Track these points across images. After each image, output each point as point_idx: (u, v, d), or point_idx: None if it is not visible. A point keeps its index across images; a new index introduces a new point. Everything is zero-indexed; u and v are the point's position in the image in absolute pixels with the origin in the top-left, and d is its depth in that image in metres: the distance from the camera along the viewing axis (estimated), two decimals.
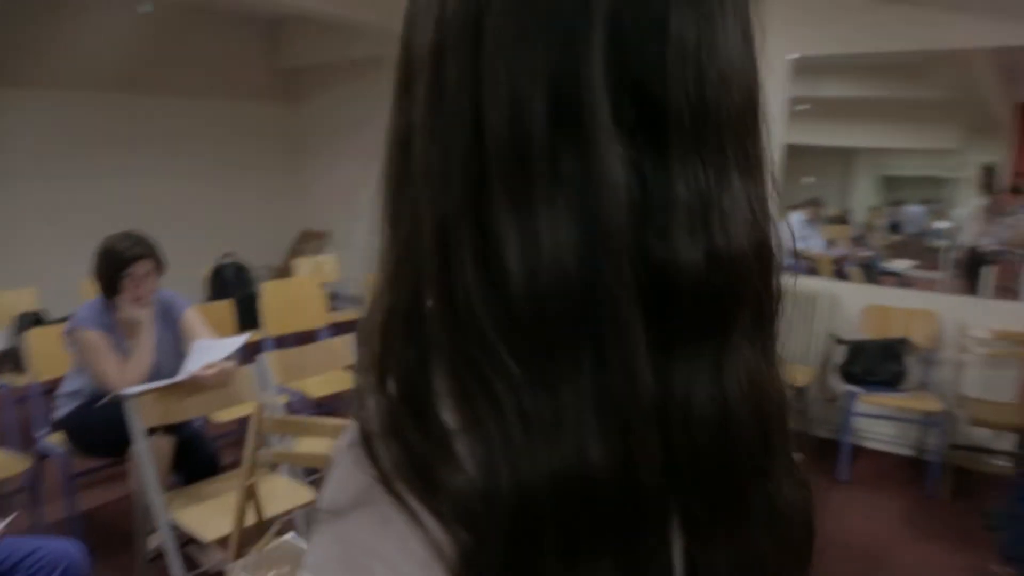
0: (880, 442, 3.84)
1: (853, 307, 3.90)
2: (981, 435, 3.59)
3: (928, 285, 4.03)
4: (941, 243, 4.16)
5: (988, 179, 4.03)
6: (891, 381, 3.59)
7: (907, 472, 3.61)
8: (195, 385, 2.21)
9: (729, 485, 0.39)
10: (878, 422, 3.76)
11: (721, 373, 0.38)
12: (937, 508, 3.23)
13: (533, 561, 0.34)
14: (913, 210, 5.41)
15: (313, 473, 2.89)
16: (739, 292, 0.38)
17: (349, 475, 0.36)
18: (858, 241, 5.27)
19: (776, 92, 3.92)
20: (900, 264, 4.64)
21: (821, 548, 0.45)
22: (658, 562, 0.37)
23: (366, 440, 0.36)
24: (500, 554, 0.33)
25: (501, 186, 0.35)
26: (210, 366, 2.21)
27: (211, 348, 2.28)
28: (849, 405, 3.54)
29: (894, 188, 5.10)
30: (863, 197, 5.77)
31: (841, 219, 4.97)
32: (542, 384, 0.34)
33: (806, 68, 3.87)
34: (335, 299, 4.87)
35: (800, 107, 4.07)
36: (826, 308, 3.95)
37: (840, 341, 3.77)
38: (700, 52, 0.36)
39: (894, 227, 5.58)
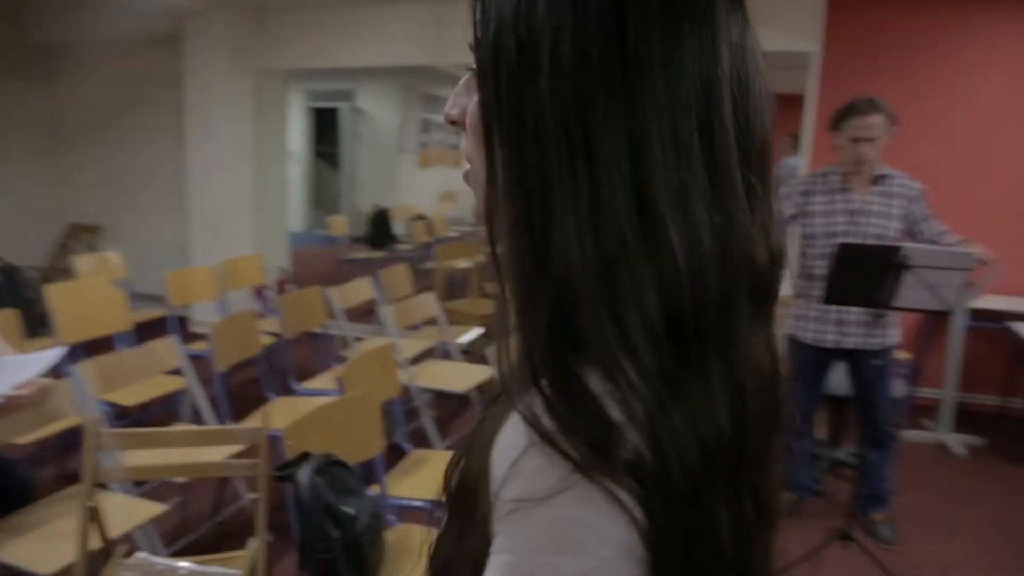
0: None
1: None
2: None
3: None
4: None
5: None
6: None
7: None
8: (6, 407, 1.96)
9: (773, 436, 0.50)
10: None
11: (768, 346, 0.49)
12: None
13: (694, 510, 0.42)
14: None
15: (142, 484, 2.69)
16: (777, 283, 0.50)
17: (542, 469, 0.41)
18: None
19: None
20: None
21: None
22: (758, 492, 0.47)
23: (548, 438, 0.41)
24: (673, 511, 0.41)
25: (664, 202, 0.43)
26: (23, 385, 1.97)
27: (21, 365, 2.03)
28: None
29: None
30: None
31: None
32: (687, 372, 0.43)
33: None
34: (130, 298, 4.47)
35: None
36: None
37: None
38: (765, 98, 0.49)
39: None
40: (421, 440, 3.04)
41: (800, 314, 2.80)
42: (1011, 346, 4.03)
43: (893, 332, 2.77)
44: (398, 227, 8.24)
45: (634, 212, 0.43)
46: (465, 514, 0.50)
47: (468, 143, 0.53)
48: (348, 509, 1.85)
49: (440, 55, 5.13)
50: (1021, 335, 3.75)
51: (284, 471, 1.85)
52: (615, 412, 0.42)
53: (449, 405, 4.07)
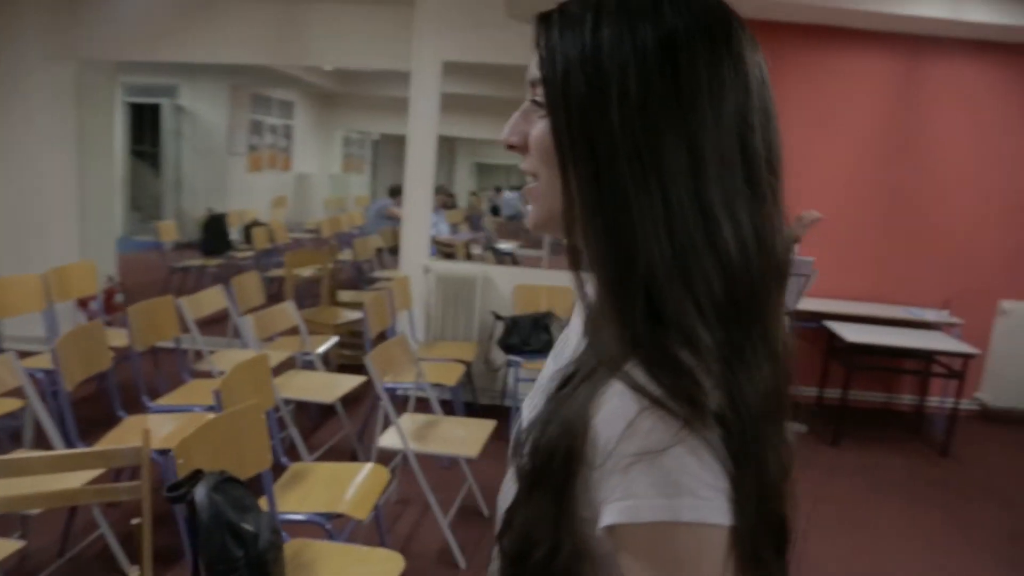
0: None
1: (506, 287, 4.43)
2: None
3: (534, 262, 4.73)
4: None
5: None
6: (543, 349, 4.18)
7: None
8: None
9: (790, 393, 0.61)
10: (531, 385, 4.34)
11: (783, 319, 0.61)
12: None
13: (757, 453, 0.53)
14: (509, 195, 6.27)
15: None
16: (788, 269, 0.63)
17: (657, 427, 0.50)
18: (474, 224, 5.95)
19: (432, 89, 4.24)
20: (508, 245, 5.38)
21: None
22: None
23: (659, 402, 0.51)
24: (747, 455, 0.52)
25: (719, 207, 0.55)
26: None
27: None
28: (514, 373, 4.05)
29: (486, 175, 5.63)
30: (464, 183, 6.51)
31: (450, 204, 5.58)
32: (743, 341, 0.54)
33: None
34: None
35: None
36: (482, 289, 4.41)
37: (498, 317, 4.26)
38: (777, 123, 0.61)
39: (494, 210, 6.40)
40: (291, 452, 2.93)
41: None
42: (826, 342, 4.57)
43: None
44: (232, 233, 7.82)
45: (699, 217, 0.54)
46: (550, 482, 0.56)
47: (532, 163, 0.64)
48: (248, 527, 1.76)
49: (278, 56, 4.97)
50: (835, 332, 4.26)
51: (177, 491, 1.72)
52: (701, 376, 0.52)
53: (311, 416, 3.95)
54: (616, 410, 0.52)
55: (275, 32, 4.57)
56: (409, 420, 3.01)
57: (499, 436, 2.79)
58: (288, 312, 3.62)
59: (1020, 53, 4.49)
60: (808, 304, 4.21)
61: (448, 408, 3.38)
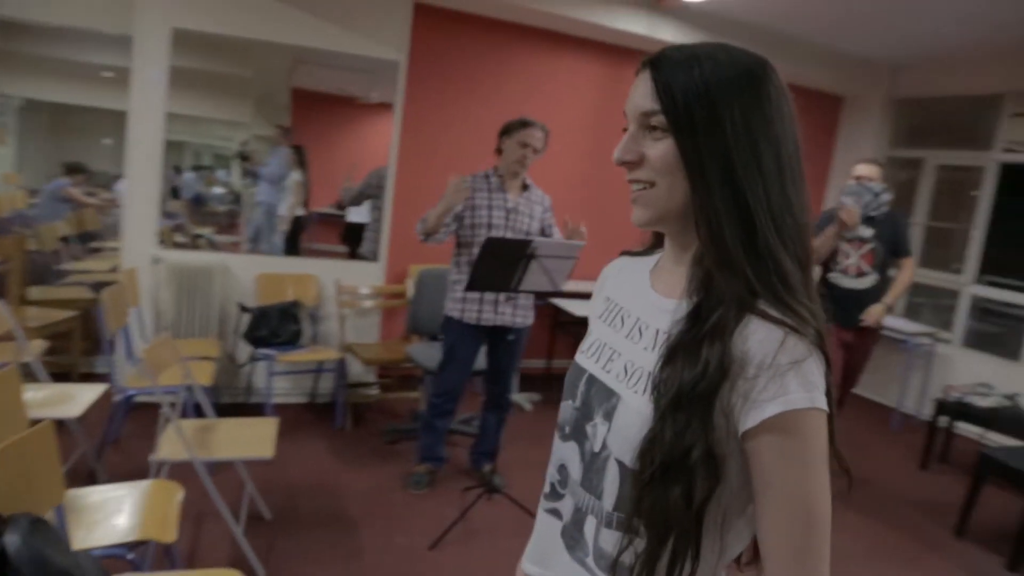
0: (282, 396, 4.24)
1: (246, 276, 4.15)
2: (360, 372, 4.39)
3: (233, 248, 4.52)
4: (220, 207, 4.69)
5: (300, 158, 4.76)
6: (292, 340, 4.02)
7: (310, 415, 4.13)
8: None
9: None
10: (281, 378, 4.16)
11: None
12: (349, 438, 3.87)
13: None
14: (188, 176, 5.83)
15: None
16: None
17: (799, 345, 0.75)
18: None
19: (161, 59, 3.80)
20: (204, 229, 5.05)
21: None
22: None
23: (797, 330, 0.76)
24: (826, 365, 0.78)
25: (796, 204, 0.83)
26: None
27: None
28: (267, 367, 3.84)
29: (174, 153, 5.15)
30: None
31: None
32: (809, 282, 0.82)
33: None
34: None
35: (105, 74, 4.36)
36: (220, 279, 4.08)
37: (245, 309, 4.00)
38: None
39: (174, 192, 5.89)
40: None
41: (462, 297, 3.12)
42: (552, 318, 5.05)
43: (531, 314, 3.29)
44: None
45: (784, 200, 0.81)
46: (696, 400, 0.76)
47: (648, 174, 0.84)
48: (72, 569, 1.52)
49: None
50: (561, 308, 4.74)
51: None
52: (806, 310, 0.78)
53: None
54: (768, 335, 0.76)
55: None
56: (182, 427, 2.72)
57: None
58: None
59: None
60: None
61: (199, 410, 3.11)
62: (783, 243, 0.79)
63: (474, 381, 4.12)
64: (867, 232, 3.74)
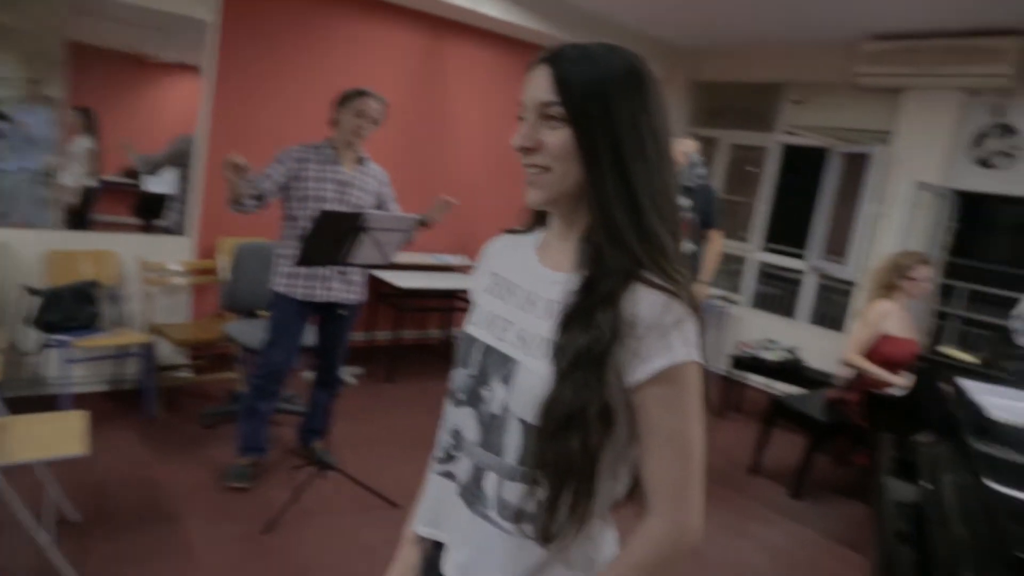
0: (79, 385, 3.83)
1: (31, 254, 3.69)
2: (169, 354, 4.08)
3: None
4: None
5: (88, 121, 4.32)
6: (89, 324, 3.65)
7: (114, 404, 3.78)
8: None
9: None
10: (77, 366, 3.75)
11: None
12: (163, 426, 3.59)
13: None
14: None
15: None
16: None
17: (679, 307, 0.88)
18: None
19: None
20: None
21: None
22: None
23: (678, 295, 0.88)
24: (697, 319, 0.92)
25: (669, 183, 0.95)
26: None
27: None
28: (61, 355, 3.46)
29: None
30: None
31: None
32: (679, 251, 0.94)
33: None
34: None
35: None
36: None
37: (33, 292, 3.56)
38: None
39: None
40: None
41: (290, 272, 2.98)
42: (374, 291, 4.96)
43: (363, 289, 3.20)
44: None
45: (663, 181, 0.92)
46: (592, 361, 0.86)
47: (545, 159, 0.92)
48: None
49: None
50: (383, 280, 4.68)
51: None
52: (680, 275, 0.90)
53: None
54: (654, 299, 0.88)
55: None
56: None
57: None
58: None
59: (524, 49, 5.46)
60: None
61: None
62: (662, 221, 0.91)
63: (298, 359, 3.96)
64: (685, 202, 3.95)
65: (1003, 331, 3.29)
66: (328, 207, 2.86)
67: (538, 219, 1.08)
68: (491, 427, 0.96)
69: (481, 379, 0.98)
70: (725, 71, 6.21)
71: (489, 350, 0.99)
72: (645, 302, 0.87)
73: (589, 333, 0.87)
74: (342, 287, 3.09)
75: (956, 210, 5.06)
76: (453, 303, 5.43)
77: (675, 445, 0.89)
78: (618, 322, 0.87)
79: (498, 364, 0.96)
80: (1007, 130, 4.69)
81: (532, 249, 1.04)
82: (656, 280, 0.88)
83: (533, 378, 0.91)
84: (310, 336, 3.27)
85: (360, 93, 3.01)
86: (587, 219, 0.94)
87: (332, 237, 2.80)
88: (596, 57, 0.90)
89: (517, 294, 1.01)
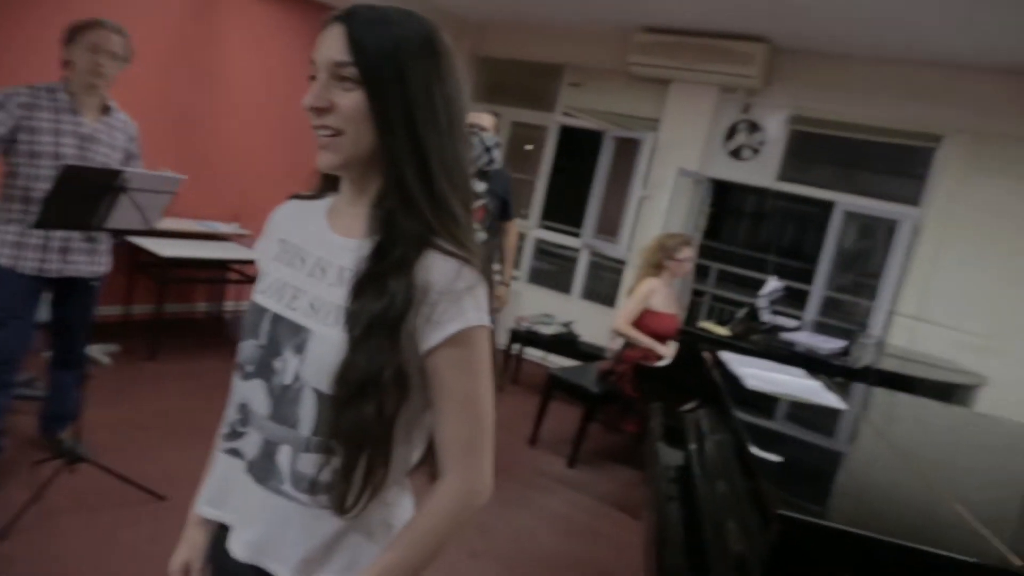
0: None
1: None
2: None
3: None
4: None
5: None
6: None
7: None
8: None
9: None
10: None
11: None
12: None
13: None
14: None
15: None
16: None
17: (471, 274, 0.90)
18: None
19: None
20: None
21: None
22: None
23: (470, 261, 0.90)
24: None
25: (459, 146, 0.95)
26: None
27: None
28: None
29: None
30: None
31: None
32: (470, 218, 0.96)
33: None
34: None
35: None
36: None
37: None
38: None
39: None
40: None
41: (17, 242, 2.51)
42: (131, 260, 4.45)
43: (108, 259, 2.81)
44: None
45: (455, 147, 0.92)
46: (386, 326, 0.86)
47: (338, 121, 0.89)
48: None
49: None
50: (142, 248, 4.20)
51: None
52: (474, 247, 0.92)
53: None
54: (446, 266, 0.89)
55: None
56: None
57: None
58: None
59: (309, 8, 5.12)
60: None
61: None
62: (454, 189, 0.91)
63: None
64: (480, 186, 3.72)
65: (750, 308, 3.70)
66: (66, 163, 2.44)
67: (327, 184, 1.05)
68: (283, 399, 0.94)
69: (271, 350, 0.95)
70: (509, 48, 6.31)
71: (279, 319, 0.96)
72: (438, 268, 0.88)
73: (382, 300, 0.87)
74: (85, 259, 2.68)
75: (710, 197, 5.61)
76: (225, 274, 5.04)
77: (466, 407, 0.92)
78: (411, 288, 0.87)
79: (289, 334, 0.94)
80: (754, 127, 5.26)
81: (322, 215, 1.01)
82: (448, 247, 0.89)
83: (326, 346, 0.90)
84: (43, 311, 2.83)
85: (92, 24, 2.55)
86: (378, 184, 0.93)
87: (81, 197, 2.43)
88: (392, 20, 0.89)
89: (307, 261, 0.99)
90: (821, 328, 4.44)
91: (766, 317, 3.67)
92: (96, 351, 4.03)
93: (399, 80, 0.87)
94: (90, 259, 2.70)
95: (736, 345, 3.15)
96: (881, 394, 2.77)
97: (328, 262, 0.96)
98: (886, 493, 1.63)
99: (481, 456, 0.93)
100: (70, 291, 2.73)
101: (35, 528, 2.44)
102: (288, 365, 0.93)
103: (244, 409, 0.99)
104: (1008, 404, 3.80)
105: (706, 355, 2.65)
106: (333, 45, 0.88)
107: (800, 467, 1.78)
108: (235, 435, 1.01)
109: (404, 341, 0.88)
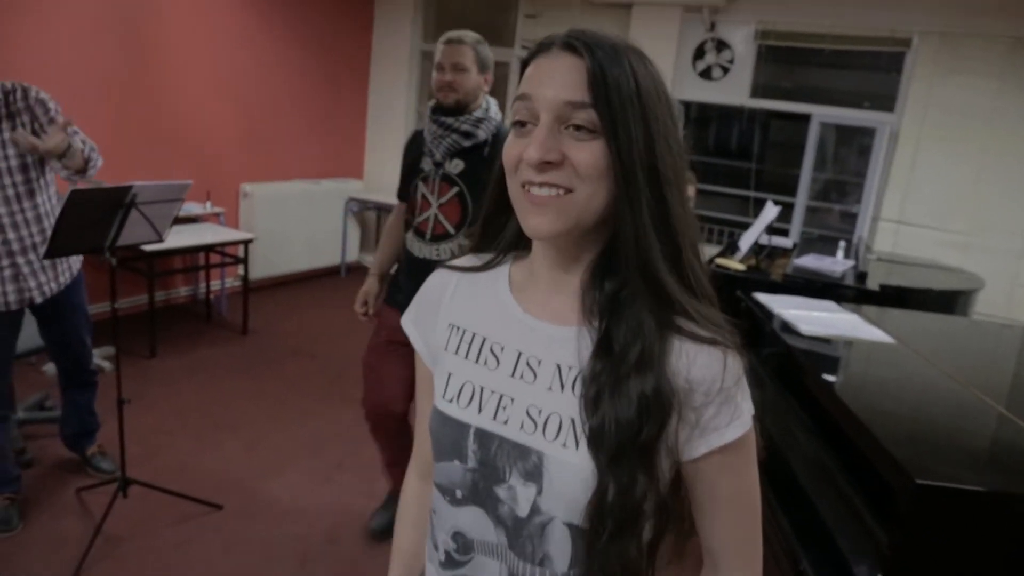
0: None
1: None
2: None
3: None
4: None
5: None
6: None
7: None
8: None
9: None
10: None
11: None
12: None
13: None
14: None
15: None
16: None
17: (736, 361, 0.74)
18: None
19: None
20: None
21: None
22: None
23: (725, 344, 0.74)
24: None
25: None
26: None
27: None
28: None
29: None
30: None
31: None
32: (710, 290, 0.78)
33: None
34: None
35: None
36: None
37: None
38: None
39: None
40: None
41: None
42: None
43: (76, 261, 2.65)
44: None
45: (690, 218, 0.75)
46: (644, 451, 0.71)
47: (568, 178, 0.71)
48: None
49: None
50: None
51: None
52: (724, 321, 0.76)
53: None
54: (710, 358, 0.73)
55: None
56: None
57: None
58: None
59: None
60: None
61: None
62: (696, 256, 0.76)
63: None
64: (457, 165, 2.57)
65: (756, 243, 3.63)
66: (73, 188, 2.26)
67: (485, 245, 0.88)
68: (521, 531, 0.77)
69: (489, 475, 0.78)
70: None
71: (490, 437, 0.78)
72: (699, 362, 0.73)
73: (629, 411, 0.70)
74: (45, 277, 2.49)
75: (684, 119, 5.58)
76: (208, 258, 4.85)
77: (742, 506, 0.79)
78: (666, 392, 0.71)
79: (512, 456, 0.76)
80: (721, 45, 5.20)
81: (504, 292, 0.84)
82: (699, 331, 0.73)
83: (568, 474, 0.73)
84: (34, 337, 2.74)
85: None
86: (593, 253, 0.77)
87: (91, 221, 2.31)
88: (626, 52, 0.72)
89: (504, 356, 0.81)
90: (807, 245, 4.51)
91: (764, 241, 3.71)
92: (96, 358, 3.87)
93: (643, 129, 0.70)
94: (51, 274, 2.52)
95: (754, 279, 3.16)
96: (902, 317, 2.76)
97: (535, 356, 0.78)
98: (990, 441, 1.59)
99: (757, 547, 0.81)
100: (48, 311, 2.57)
101: (101, 562, 2.39)
102: (518, 495, 0.76)
103: (461, 537, 0.83)
104: (994, 296, 3.99)
105: (743, 299, 2.64)
106: (568, 81, 0.70)
107: (901, 424, 1.61)
108: (455, 563, 0.84)
109: (663, 460, 0.74)
